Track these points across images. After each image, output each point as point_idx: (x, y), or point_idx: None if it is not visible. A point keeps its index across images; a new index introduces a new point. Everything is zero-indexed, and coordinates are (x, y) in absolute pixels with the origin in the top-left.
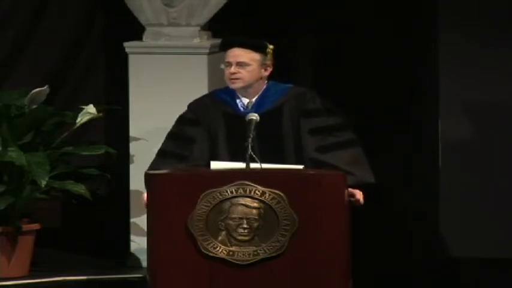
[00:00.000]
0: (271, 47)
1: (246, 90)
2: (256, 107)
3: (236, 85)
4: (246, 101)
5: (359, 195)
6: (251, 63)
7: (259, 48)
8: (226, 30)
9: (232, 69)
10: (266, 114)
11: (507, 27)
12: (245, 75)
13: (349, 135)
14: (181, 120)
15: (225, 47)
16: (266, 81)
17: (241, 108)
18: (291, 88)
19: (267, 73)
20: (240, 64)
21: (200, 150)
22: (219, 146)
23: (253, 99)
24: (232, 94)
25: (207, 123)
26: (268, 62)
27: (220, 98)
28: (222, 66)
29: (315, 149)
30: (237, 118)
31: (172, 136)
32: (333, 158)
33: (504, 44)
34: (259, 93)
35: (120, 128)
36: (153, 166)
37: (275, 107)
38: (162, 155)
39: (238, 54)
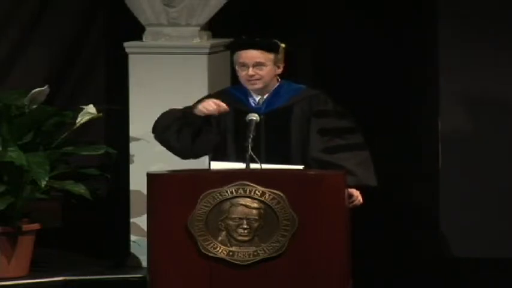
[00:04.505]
0: (282, 45)
1: (263, 88)
2: (267, 104)
3: (257, 86)
4: (258, 98)
5: (357, 194)
6: (267, 64)
7: (273, 48)
8: (226, 30)
9: (251, 71)
10: (276, 112)
11: (507, 26)
12: (263, 75)
13: (357, 139)
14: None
15: (237, 47)
16: (278, 79)
17: (253, 105)
18: (304, 89)
19: (279, 71)
20: (256, 65)
21: (212, 133)
22: (227, 141)
23: (265, 97)
24: (245, 91)
25: (217, 118)
26: (281, 60)
27: (232, 94)
28: (236, 67)
29: (321, 150)
30: (247, 114)
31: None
32: (338, 159)
33: (504, 43)
34: (271, 91)
35: (120, 128)
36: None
37: (286, 105)
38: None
39: (254, 55)
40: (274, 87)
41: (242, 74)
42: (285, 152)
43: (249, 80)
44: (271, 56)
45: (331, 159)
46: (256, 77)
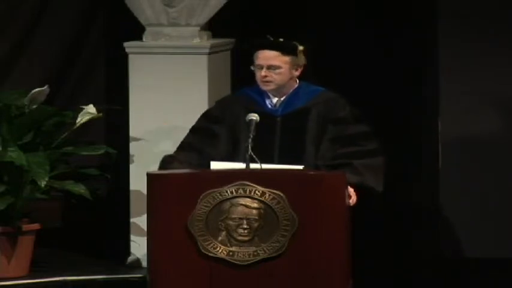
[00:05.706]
0: (301, 48)
1: (277, 89)
2: (284, 106)
3: (268, 87)
4: (275, 99)
5: (352, 193)
6: (282, 66)
7: (289, 51)
8: (226, 30)
9: (263, 72)
10: (293, 114)
11: (507, 26)
12: (276, 78)
13: (373, 145)
14: (206, 115)
15: (254, 48)
16: (297, 81)
17: (269, 106)
18: (323, 92)
19: (297, 73)
20: (270, 67)
21: (221, 146)
22: (240, 141)
23: (282, 99)
24: (262, 92)
25: (232, 120)
26: (300, 63)
27: (248, 96)
28: (252, 67)
29: (335, 156)
30: (264, 116)
31: (193, 130)
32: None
33: (504, 43)
34: (289, 93)
35: (120, 128)
36: (169, 156)
37: (303, 107)
38: (181, 147)
39: (269, 57)
40: (292, 89)
41: (257, 74)
42: (299, 154)
43: (262, 81)
44: (287, 58)
45: (342, 161)
46: (269, 78)
